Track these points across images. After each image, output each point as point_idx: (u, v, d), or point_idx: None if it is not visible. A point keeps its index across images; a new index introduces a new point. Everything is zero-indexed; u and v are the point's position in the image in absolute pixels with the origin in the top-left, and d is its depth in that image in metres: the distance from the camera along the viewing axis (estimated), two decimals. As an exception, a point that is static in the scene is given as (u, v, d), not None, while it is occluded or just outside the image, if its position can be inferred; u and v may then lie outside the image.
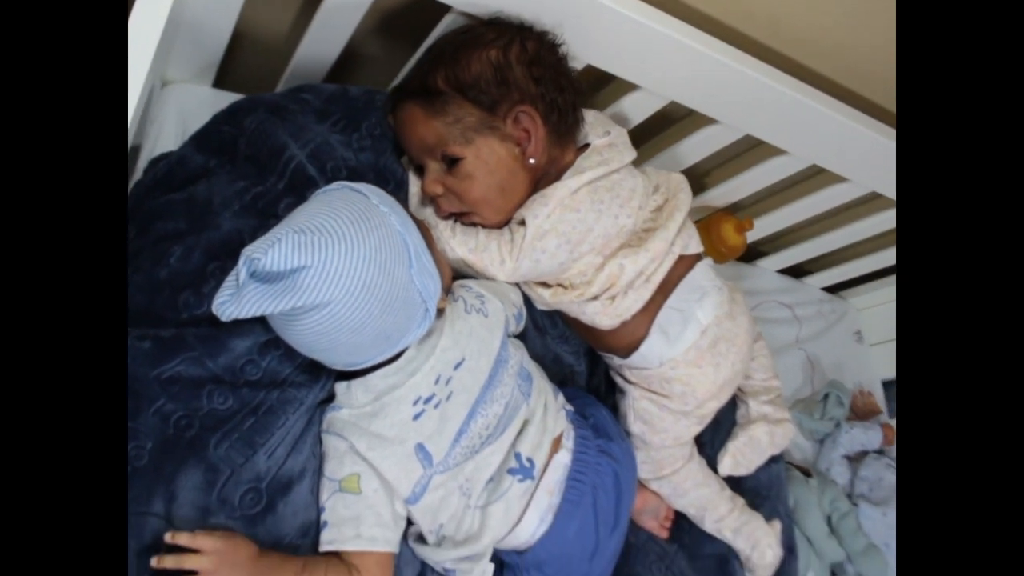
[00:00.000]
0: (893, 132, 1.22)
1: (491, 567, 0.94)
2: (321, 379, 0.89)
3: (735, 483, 1.21)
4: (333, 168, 0.95)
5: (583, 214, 0.97)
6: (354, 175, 0.95)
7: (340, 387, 0.88)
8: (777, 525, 1.20)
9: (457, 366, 0.89)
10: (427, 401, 0.87)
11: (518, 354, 0.96)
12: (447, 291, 0.94)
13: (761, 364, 1.23)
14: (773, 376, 1.24)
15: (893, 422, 1.55)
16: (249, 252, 0.73)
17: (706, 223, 1.41)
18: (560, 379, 1.08)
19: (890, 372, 1.71)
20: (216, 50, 1.09)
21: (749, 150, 1.38)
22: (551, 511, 0.95)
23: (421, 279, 0.83)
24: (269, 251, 0.72)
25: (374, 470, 0.86)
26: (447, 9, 1.02)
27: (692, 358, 1.04)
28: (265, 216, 0.91)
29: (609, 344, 1.07)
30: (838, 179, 1.36)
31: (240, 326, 0.84)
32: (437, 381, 0.88)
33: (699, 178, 1.46)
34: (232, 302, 0.72)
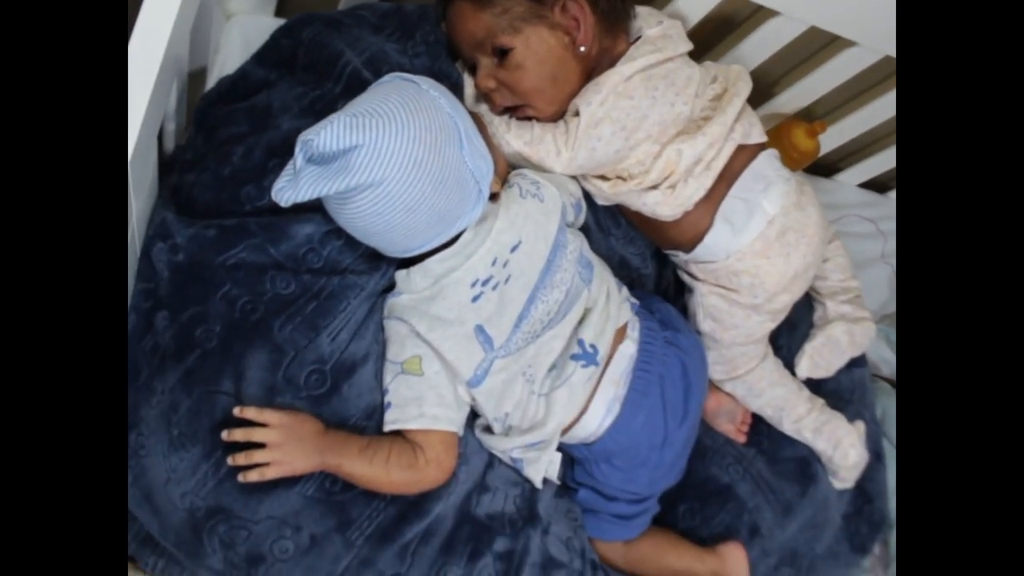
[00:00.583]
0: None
1: (558, 456, 0.94)
2: (382, 267, 0.90)
3: (815, 387, 1.16)
4: (388, 73, 0.97)
5: (637, 101, 0.96)
6: (409, 81, 0.97)
7: (400, 275, 0.90)
8: (861, 426, 1.15)
9: (514, 249, 0.89)
10: (485, 283, 0.87)
11: (576, 240, 0.96)
12: (502, 180, 0.94)
13: (837, 264, 1.18)
14: (851, 276, 1.19)
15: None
16: (304, 136, 0.78)
17: (776, 130, 1.36)
18: (628, 283, 1.06)
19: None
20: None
21: (817, 51, 1.33)
22: (618, 401, 0.94)
23: (473, 159, 0.85)
24: (322, 132, 0.77)
25: (435, 352, 0.87)
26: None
27: (759, 249, 1.01)
28: (322, 117, 0.93)
29: (673, 238, 1.05)
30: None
31: (300, 215, 0.87)
32: (494, 263, 0.88)
33: (766, 84, 1.41)
34: (289, 187, 0.77)
